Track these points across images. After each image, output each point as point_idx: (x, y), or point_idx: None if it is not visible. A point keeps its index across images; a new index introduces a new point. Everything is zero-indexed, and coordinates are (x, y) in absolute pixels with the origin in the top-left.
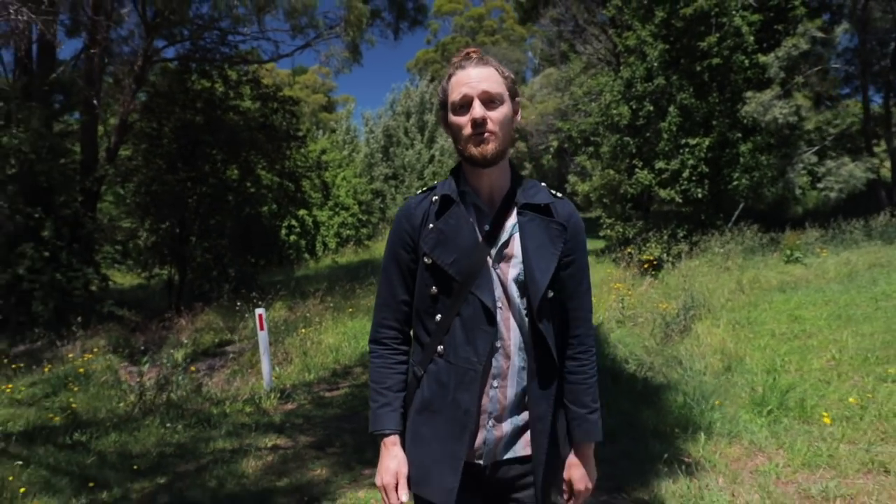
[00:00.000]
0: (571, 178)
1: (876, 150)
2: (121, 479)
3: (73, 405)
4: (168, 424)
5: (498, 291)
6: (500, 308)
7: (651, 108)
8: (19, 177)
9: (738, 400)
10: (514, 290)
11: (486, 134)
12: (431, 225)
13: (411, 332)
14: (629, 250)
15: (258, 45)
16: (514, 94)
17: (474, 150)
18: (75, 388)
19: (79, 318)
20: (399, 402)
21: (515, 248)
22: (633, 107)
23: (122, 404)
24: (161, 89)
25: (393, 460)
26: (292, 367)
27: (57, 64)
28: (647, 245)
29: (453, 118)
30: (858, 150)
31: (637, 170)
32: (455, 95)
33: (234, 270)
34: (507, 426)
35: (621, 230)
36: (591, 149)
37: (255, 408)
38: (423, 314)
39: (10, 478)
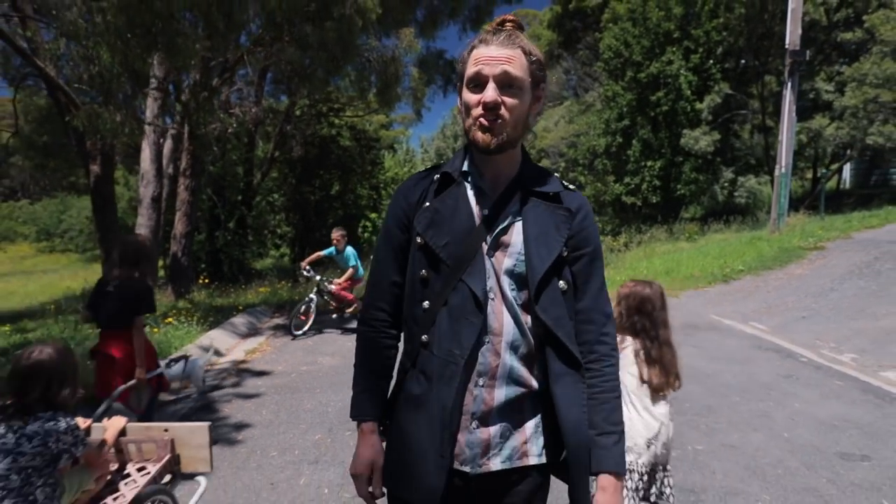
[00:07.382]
0: None
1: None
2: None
3: (295, 291)
4: None
5: (490, 281)
6: (492, 299)
7: (621, 139)
8: (215, 190)
9: None
10: (506, 282)
11: (498, 121)
12: (427, 203)
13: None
14: (605, 239)
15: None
16: (538, 81)
17: (478, 136)
18: (283, 294)
19: (246, 277)
20: (381, 388)
21: (514, 236)
22: (609, 140)
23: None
24: (292, 133)
25: (368, 449)
26: None
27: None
28: (618, 236)
29: (465, 94)
30: (771, 171)
31: (611, 183)
32: (471, 70)
33: None
34: (495, 430)
35: (602, 226)
36: (580, 168)
37: None
38: (412, 300)
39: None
